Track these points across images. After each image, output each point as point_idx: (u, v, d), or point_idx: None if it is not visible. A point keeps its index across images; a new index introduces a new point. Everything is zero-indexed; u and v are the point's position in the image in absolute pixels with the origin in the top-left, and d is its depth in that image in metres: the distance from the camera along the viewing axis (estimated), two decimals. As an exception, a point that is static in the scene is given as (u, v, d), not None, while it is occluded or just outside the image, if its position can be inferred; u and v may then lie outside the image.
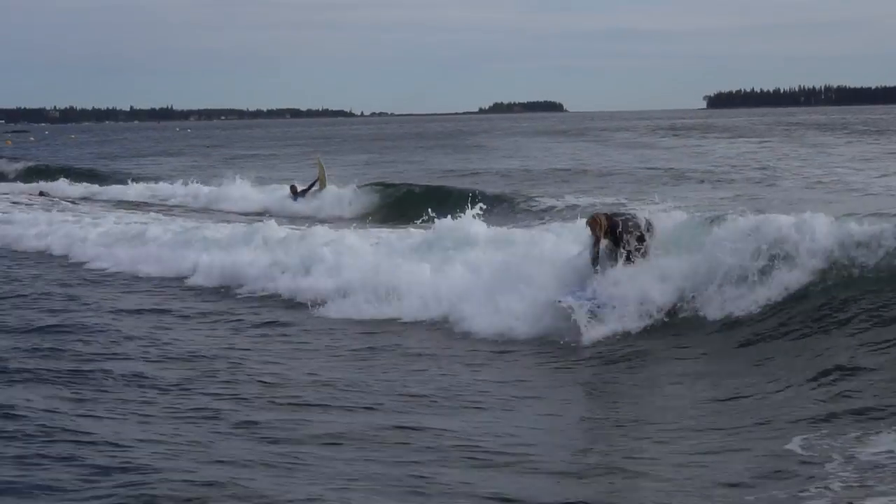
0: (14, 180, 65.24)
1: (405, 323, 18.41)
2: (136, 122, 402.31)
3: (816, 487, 8.92)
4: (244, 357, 15.38)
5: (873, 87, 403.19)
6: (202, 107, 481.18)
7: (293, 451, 10.50)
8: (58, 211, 40.23)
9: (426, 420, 11.81)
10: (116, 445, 10.43)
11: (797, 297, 16.07)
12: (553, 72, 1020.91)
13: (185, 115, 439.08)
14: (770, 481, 9.22)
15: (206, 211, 43.66)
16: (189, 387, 13.35)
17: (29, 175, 67.13)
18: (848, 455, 9.67)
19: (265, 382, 13.63)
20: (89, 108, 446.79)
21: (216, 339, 17.08)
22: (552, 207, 35.25)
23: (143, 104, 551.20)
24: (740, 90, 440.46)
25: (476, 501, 9.01)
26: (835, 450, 9.84)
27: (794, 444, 10.17)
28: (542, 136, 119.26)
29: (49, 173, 64.81)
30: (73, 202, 48.24)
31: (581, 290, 16.77)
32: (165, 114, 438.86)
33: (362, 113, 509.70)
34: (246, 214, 40.38)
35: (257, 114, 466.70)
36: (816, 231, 16.55)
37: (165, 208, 45.02)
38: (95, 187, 57.62)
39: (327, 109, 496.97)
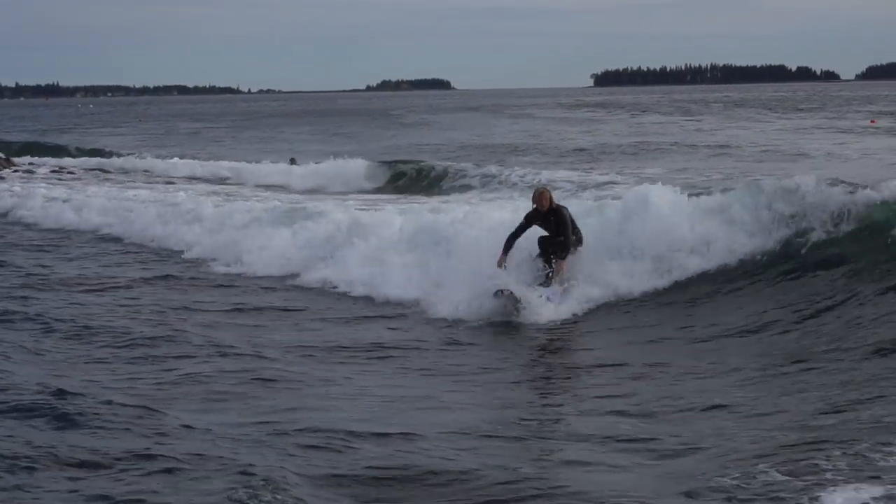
0: None
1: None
2: (21, 98, 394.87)
3: None
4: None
5: (758, 65, 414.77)
6: (88, 83, 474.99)
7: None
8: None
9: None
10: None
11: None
12: (440, 49, 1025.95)
13: (71, 91, 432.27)
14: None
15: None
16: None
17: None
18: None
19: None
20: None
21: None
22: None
23: (28, 80, 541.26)
24: (627, 68, 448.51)
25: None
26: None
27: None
28: (463, 111, 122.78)
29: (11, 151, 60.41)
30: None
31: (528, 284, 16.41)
32: (52, 90, 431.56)
33: (249, 90, 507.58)
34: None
35: (144, 90, 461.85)
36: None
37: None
38: (106, 160, 55.07)
39: (214, 86, 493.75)
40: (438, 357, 13.71)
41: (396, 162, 43.01)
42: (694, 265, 17.29)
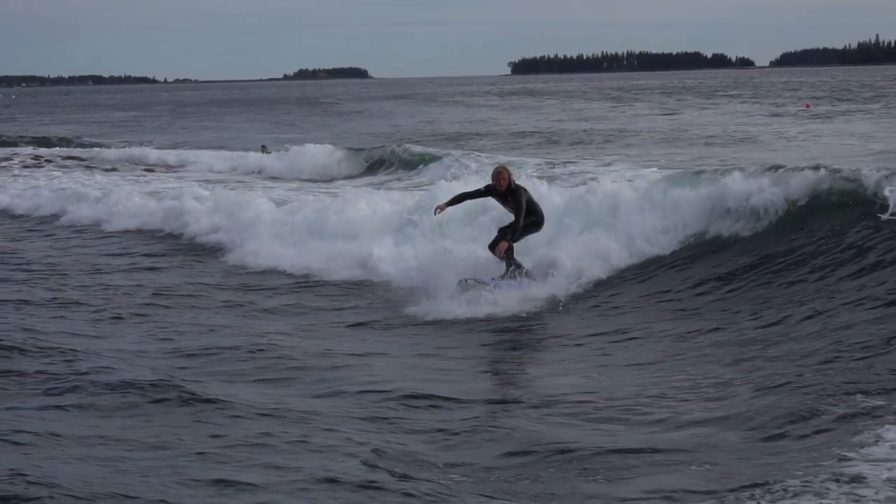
0: None
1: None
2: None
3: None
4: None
5: (674, 52, 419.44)
6: (1, 73, 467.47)
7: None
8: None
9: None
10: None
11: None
12: (356, 38, 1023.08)
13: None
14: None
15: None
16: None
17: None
18: None
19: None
20: None
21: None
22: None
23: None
24: (544, 56, 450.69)
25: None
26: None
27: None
28: (394, 99, 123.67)
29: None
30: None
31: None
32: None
33: (165, 80, 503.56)
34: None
35: (59, 80, 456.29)
36: None
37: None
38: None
39: (130, 76, 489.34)
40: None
41: (374, 148, 42.78)
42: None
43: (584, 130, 55.27)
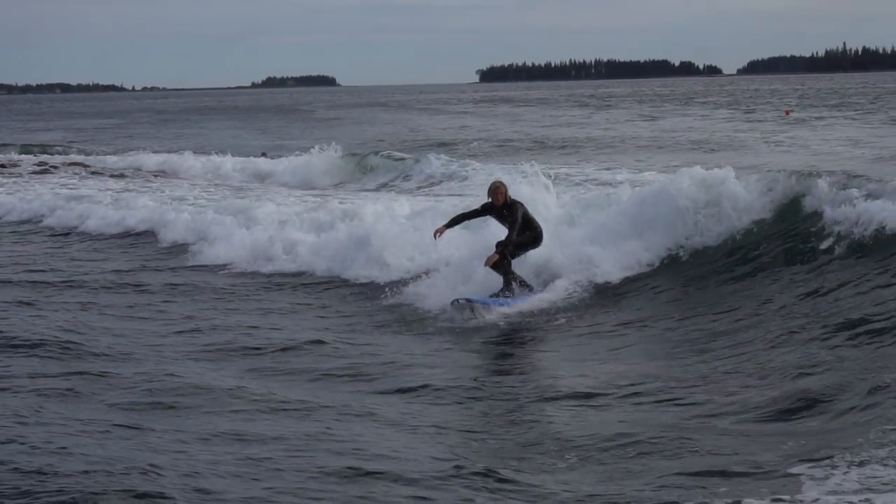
0: None
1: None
2: None
3: None
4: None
5: (642, 60, 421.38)
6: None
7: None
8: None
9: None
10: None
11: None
12: (324, 46, 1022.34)
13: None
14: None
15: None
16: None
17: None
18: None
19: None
20: None
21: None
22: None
23: None
24: (512, 64, 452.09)
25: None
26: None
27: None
28: (370, 107, 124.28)
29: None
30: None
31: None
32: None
33: (133, 87, 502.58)
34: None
35: (27, 88, 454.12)
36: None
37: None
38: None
39: (98, 84, 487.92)
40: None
41: (401, 158, 42.01)
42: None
43: (575, 137, 55.93)
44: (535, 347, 14.44)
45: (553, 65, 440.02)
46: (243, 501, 7.78)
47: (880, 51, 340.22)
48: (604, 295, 16.63)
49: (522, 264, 16.81)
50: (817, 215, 16.96)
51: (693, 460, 8.84)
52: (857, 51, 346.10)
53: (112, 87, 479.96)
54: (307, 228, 22.34)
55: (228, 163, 44.41)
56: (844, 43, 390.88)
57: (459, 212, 17.59)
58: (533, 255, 16.99)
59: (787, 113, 70.37)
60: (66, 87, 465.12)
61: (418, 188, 35.11)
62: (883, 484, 7.66)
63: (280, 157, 45.06)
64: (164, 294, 18.08)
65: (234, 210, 25.54)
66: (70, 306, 16.68)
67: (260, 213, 24.66)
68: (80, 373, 11.92)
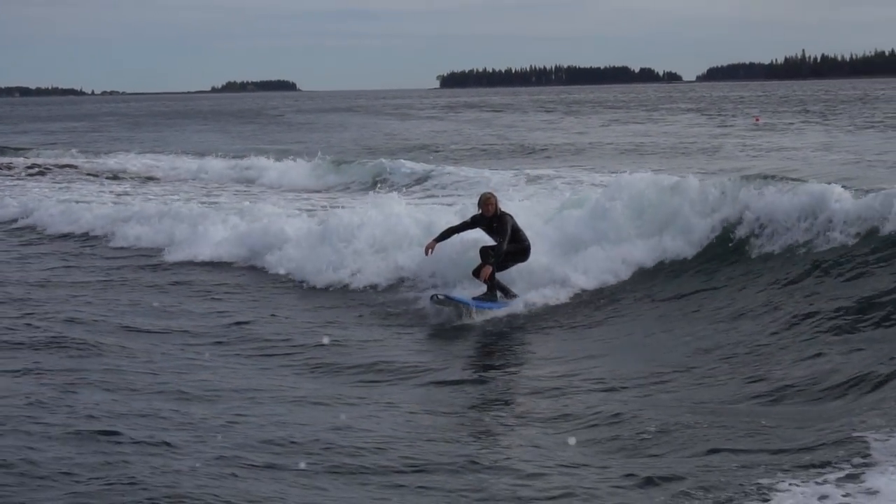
0: None
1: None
2: None
3: None
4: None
5: (602, 66, 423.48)
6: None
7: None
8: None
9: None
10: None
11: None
12: (284, 51, 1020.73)
13: None
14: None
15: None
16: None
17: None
18: None
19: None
20: None
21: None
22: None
23: None
24: (473, 70, 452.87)
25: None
26: None
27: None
28: (339, 112, 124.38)
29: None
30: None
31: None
32: None
33: (93, 91, 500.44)
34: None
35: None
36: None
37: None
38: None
39: (57, 87, 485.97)
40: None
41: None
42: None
43: (554, 142, 56.29)
44: (537, 342, 15.25)
45: (514, 70, 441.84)
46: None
47: (839, 58, 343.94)
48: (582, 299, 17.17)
49: (505, 275, 17.06)
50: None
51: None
52: (816, 58, 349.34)
53: (72, 91, 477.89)
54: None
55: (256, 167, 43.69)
56: (803, 50, 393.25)
57: (448, 226, 17.74)
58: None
59: (757, 120, 71.36)
60: (25, 91, 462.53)
61: (425, 192, 35.05)
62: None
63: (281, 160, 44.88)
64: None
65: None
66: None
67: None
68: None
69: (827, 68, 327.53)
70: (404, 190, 32.42)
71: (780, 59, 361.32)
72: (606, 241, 18.43)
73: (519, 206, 19.71)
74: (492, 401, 11.93)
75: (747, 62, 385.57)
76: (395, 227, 20.45)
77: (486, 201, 16.82)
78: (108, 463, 9.10)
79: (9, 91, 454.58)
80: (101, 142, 71.48)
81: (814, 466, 8.72)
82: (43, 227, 28.29)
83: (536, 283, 17.26)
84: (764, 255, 17.28)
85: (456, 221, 18.02)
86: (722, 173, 26.14)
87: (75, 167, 47.88)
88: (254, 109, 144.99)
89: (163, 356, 13.81)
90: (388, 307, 17.52)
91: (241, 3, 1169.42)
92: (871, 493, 8.00)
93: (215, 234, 23.37)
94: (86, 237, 26.61)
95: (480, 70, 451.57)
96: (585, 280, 17.57)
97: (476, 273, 16.74)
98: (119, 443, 9.69)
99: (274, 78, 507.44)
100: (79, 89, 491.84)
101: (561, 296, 17.13)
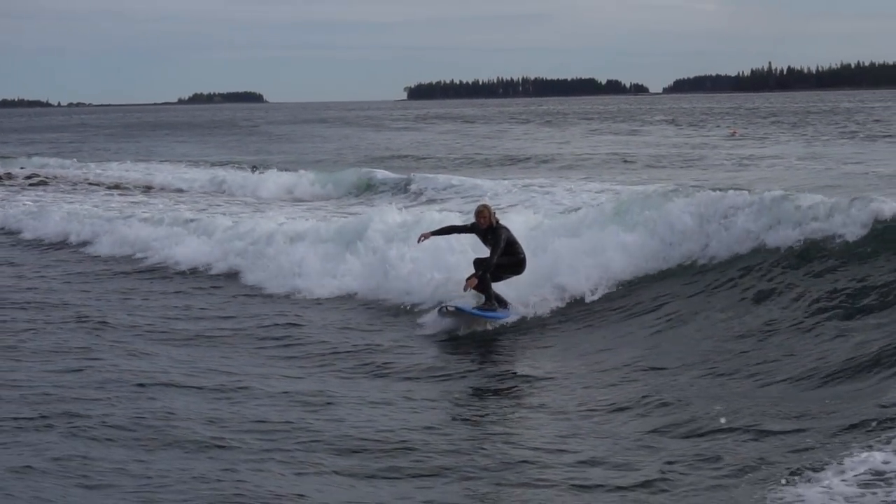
0: None
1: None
2: None
3: None
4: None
5: (569, 78, 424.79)
6: None
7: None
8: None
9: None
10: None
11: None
12: (250, 63, 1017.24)
13: None
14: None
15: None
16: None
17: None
18: None
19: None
20: None
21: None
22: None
23: None
24: (440, 81, 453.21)
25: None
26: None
27: None
28: (312, 123, 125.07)
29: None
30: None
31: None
32: None
33: (59, 103, 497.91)
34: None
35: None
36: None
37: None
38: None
39: (23, 99, 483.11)
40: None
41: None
42: None
43: (543, 153, 56.31)
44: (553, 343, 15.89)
45: (481, 82, 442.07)
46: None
47: (805, 70, 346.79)
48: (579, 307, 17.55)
49: (500, 286, 17.16)
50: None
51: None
52: (782, 70, 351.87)
53: (38, 103, 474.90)
54: None
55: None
56: (770, 62, 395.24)
57: (451, 224, 18.44)
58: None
59: (734, 133, 72.16)
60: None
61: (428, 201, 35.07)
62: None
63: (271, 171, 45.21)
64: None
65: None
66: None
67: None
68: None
69: (793, 80, 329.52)
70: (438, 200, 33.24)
71: (747, 72, 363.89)
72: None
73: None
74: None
75: (714, 74, 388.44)
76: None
77: (480, 213, 16.99)
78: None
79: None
80: (85, 152, 71.84)
81: (869, 434, 9.57)
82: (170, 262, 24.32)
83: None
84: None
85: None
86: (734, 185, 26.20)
87: (85, 178, 48.44)
88: (227, 121, 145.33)
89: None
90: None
91: (206, 14, 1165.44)
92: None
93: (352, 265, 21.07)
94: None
95: (448, 82, 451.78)
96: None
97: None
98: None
99: (241, 90, 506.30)
100: (45, 101, 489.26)
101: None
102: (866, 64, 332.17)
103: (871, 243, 16.27)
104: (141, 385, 12.99)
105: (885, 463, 8.78)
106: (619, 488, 9.30)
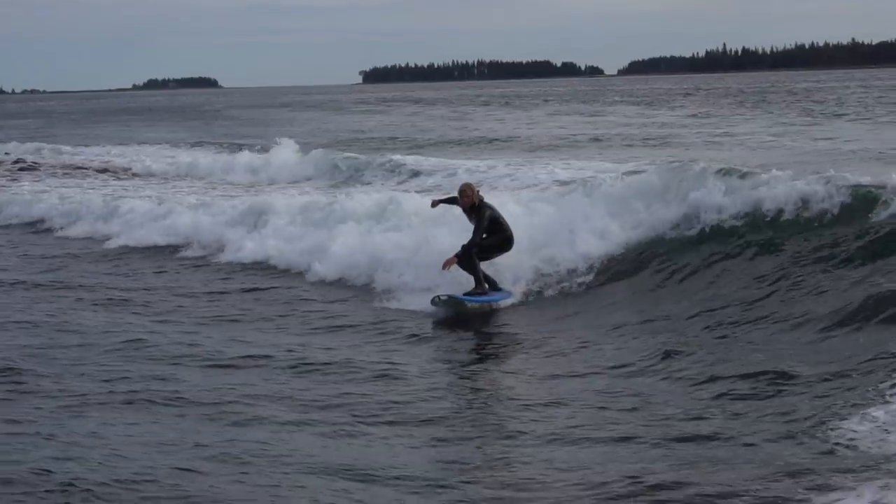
0: None
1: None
2: None
3: None
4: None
5: (524, 61, 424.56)
6: None
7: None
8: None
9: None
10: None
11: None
12: (203, 48, 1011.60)
13: None
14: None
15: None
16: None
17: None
18: None
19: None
20: None
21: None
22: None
23: None
24: (395, 65, 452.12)
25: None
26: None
27: None
28: (276, 108, 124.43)
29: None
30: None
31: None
32: None
33: (13, 90, 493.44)
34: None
35: None
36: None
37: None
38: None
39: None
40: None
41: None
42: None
43: (519, 135, 56.48)
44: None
45: (436, 66, 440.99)
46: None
47: (759, 51, 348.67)
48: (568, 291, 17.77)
49: (489, 266, 17.25)
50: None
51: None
52: (737, 51, 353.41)
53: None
54: None
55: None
56: (724, 44, 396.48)
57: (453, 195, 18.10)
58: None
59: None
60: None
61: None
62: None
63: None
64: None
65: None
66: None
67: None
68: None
69: (748, 61, 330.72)
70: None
71: (702, 53, 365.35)
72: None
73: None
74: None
75: (668, 56, 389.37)
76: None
77: (463, 192, 17.17)
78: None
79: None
80: (60, 137, 71.53)
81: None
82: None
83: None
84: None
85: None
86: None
87: (75, 164, 48.78)
88: (188, 106, 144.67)
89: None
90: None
91: (160, 0, 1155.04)
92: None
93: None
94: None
95: (403, 65, 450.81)
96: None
97: (459, 263, 16.91)
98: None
99: (195, 75, 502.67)
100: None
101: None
102: (820, 44, 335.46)
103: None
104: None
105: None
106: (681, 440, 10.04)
